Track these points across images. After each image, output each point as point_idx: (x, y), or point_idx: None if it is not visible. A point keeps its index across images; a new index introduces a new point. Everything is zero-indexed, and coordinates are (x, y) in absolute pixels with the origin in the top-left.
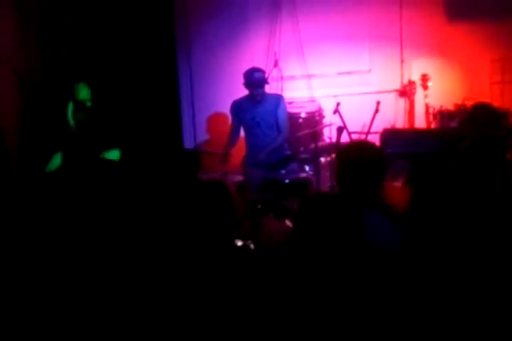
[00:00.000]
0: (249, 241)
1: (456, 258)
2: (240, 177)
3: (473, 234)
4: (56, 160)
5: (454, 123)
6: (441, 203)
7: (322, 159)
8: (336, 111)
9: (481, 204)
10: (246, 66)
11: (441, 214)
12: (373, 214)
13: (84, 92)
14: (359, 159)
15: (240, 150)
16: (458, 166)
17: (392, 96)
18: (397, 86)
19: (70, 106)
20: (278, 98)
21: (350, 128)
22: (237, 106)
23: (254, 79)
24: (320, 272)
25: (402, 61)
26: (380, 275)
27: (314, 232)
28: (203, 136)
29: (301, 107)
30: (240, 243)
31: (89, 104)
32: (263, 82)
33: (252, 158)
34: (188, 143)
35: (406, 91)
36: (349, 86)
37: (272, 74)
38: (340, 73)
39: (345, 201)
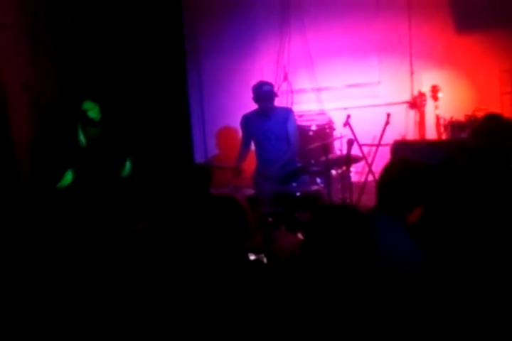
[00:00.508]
0: (262, 255)
1: (468, 271)
2: (251, 191)
3: (485, 244)
4: (68, 177)
5: (464, 135)
6: (449, 215)
7: (333, 171)
8: (347, 123)
9: (487, 216)
10: (256, 80)
11: (450, 226)
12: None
13: (93, 109)
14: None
15: (250, 164)
16: (461, 178)
17: (403, 108)
18: (407, 98)
19: (80, 123)
20: (287, 111)
21: (361, 140)
22: (247, 121)
23: (263, 93)
24: (330, 282)
25: (411, 73)
26: (393, 289)
27: (324, 242)
28: (213, 150)
29: (311, 120)
30: (253, 257)
31: (98, 119)
32: (272, 95)
33: (263, 172)
34: (199, 158)
35: (416, 103)
36: (359, 98)
37: (281, 87)
38: (350, 85)
39: (353, 211)
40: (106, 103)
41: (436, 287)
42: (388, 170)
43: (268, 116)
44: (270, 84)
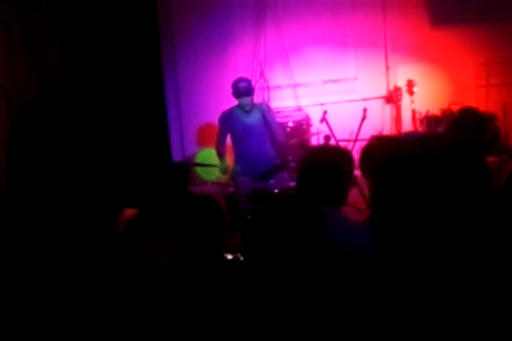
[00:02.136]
0: (239, 254)
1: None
2: (230, 188)
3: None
4: None
5: (440, 128)
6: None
7: None
8: (323, 119)
9: (458, 210)
10: (232, 77)
11: (414, 216)
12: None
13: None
14: (317, 165)
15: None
16: (433, 172)
17: (379, 103)
18: (384, 92)
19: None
20: (261, 104)
21: (338, 135)
22: (227, 117)
23: (242, 88)
24: (285, 273)
25: (387, 68)
26: (346, 274)
27: (274, 234)
28: (191, 148)
29: (288, 116)
30: (230, 256)
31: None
32: (251, 90)
33: (243, 168)
34: (177, 156)
35: (392, 98)
36: (335, 94)
37: (258, 84)
38: (326, 81)
39: (302, 200)
40: (81, 102)
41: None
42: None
43: (248, 112)
44: (248, 80)
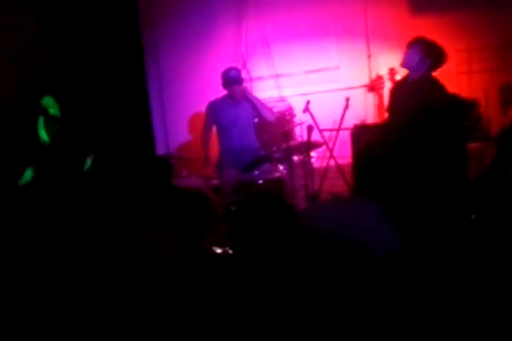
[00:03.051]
0: (227, 248)
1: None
2: (215, 181)
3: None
4: (28, 174)
5: None
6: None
7: (295, 158)
8: (306, 109)
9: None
10: (214, 68)
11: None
12: None
13: (53, 106)
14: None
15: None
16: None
17: (362, 91)
18: (366, 81)
19: (41, 120)
20: (244, 92)
21: (322, 125)
22: (215, 107)
23: (232, 77)
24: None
25: (369, 56)
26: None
27: (248, 231)
28: (175, 140)
29: (271, 107)
30: (219, 250)
31: (58, 115)
32: (240, 79)
33: (228, 160)
34: (161, 149)
35: (375, 86)
36: (318, 83)
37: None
38: (309, 71)
39: (277, 200)
40: (64, 97)
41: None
42: (365, 153)
43: (236, 103)
44: (238, 69)
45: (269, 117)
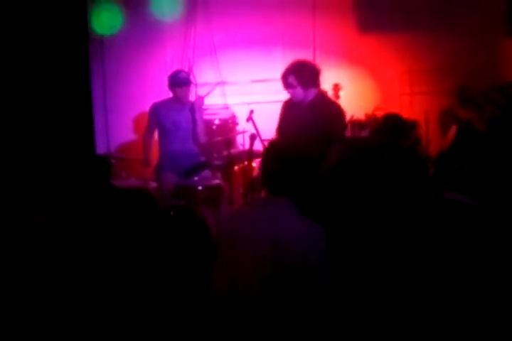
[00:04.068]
0: None
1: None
2: (153, 184)
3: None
4: None
5: (364, 133)
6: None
7: (235, 166)
8: (250, 118)
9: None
10: (160, 70)
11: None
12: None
13: None
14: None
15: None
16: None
17: None
18: None
19: None
20: (195, 102)
21: (264, 135)
22: (158, 109)
23: (182, 78)
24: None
25: None
26: None
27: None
28: (116, 140)
29: (214, 114)
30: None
31: None
32: (189, 81)
33: (167, 164)
34: (101, 149)
35: None
36: (263, 93)
37: None
38: (254, 81)
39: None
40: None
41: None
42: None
43: (181, 106)
44: (187, 72)
45: (202, 139)
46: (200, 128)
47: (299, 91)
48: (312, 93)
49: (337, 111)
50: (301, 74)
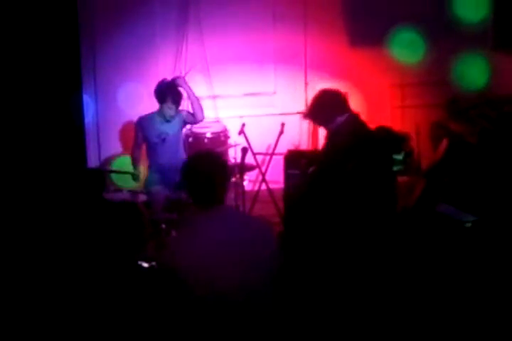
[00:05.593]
0: (154, 263)
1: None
2: (143, 197)
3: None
4: None
5: None
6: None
7: None
8: (241, 132)
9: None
10: (152, 82)
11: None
12: None
13: None
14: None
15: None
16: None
17: (297, 118)
18: (302, 108)
19: None
20: (182, 111)
21: (255, 149)
22: (143, 122)
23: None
24: None
25: (306, 83)
26: None
27: None
28: (108, 153)
29: (206, 127)
30: (145, 264)
31: None
32: (179, 96)
33: (157, 177)
34: (93, 162)
35: None
36: (254, 107)
37: None
38: (246, 94)
39: None
40: None
41: None
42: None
43: (167, 120)
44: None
45: (199, 116)
46: (196, 104)
47: (325, 128)
48: (338, 121)
49: (345, 145)
50: (317, 117)
